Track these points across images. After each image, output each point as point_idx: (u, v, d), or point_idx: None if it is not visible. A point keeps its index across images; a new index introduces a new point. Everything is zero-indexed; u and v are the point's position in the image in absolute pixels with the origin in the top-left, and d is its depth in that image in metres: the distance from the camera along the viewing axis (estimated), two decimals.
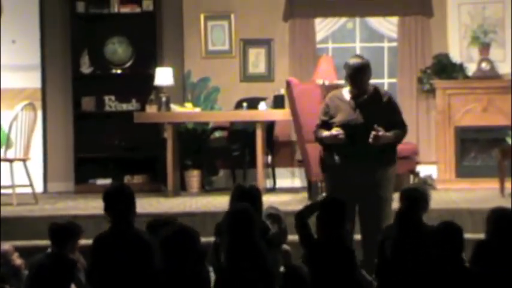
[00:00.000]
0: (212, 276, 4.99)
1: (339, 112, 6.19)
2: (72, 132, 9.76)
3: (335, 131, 6.11)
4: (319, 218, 5.10)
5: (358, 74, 6.15)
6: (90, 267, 5.15)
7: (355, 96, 6.20)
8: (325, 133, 6.19)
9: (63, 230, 5.61)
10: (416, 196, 5.48)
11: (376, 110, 6.17)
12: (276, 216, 5.83)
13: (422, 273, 4.79)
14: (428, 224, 5.24)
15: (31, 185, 8.53)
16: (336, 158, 6.18)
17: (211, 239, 5.52)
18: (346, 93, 6.26)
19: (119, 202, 5.08)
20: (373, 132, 6.02)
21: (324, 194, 6.47)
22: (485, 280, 4.76)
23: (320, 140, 6.29)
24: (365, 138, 6.03)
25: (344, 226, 5.12)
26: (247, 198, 5.41)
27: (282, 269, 5.22)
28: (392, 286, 4.95)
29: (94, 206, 7.76)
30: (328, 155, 6.25)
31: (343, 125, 6.11)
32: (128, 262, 4.88)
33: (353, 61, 6.21)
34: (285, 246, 5.77)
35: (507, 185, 8.54)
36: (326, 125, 6.22)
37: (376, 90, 6.27)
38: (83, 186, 9.50)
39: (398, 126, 6.22)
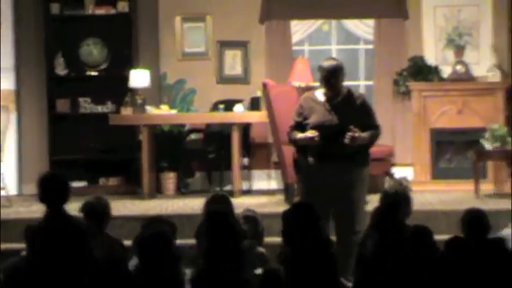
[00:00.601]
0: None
1: (313, 113, 6.19)
2: (47, 134, 9.70)
3: (310, 133, 6.10)
4: (287, 225, 5.04)
5: (331, 76, 6.15)
6: (28, 257, 5.08)
7: (329, 98, 6.20)
8: (300, 135, 6.18)
9: None
10: (396, 199, 5.48)
11: (350, 111, 6.18)
12: (252, 218, 5.82)
13: (401, 276, 4.79)
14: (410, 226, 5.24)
15: (4, 187, 8.47)
16: (310, 159, 6.18)
17: (188, 241, 5.50)
18: (319, 94, 6.26)
19: (51, 190, 5.05)
20: (350, 133, 6.02)
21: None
22: (461, 281, 4.77)
23: (294, 142, 6.28)
24: (339, 139, 6.03)
25: (315, 228, 5.03)
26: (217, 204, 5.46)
27: (258, 271, 5.20)
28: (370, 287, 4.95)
29: (69, 208, 7.68)
30: (302, 156, 6.24)
31: (317, 126, 6.11)
32: (64, 249, 4.85)
33: (327, 63, 6.22)
34: (261, 249, 5.75)
35: (482, 186, 8.58)
36: (300, 126, 6.21)
37: (350, 92, 6.28)
38: None
39: (371, 128, 6.23)
